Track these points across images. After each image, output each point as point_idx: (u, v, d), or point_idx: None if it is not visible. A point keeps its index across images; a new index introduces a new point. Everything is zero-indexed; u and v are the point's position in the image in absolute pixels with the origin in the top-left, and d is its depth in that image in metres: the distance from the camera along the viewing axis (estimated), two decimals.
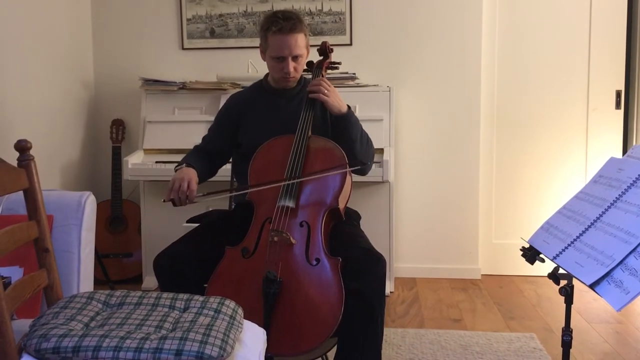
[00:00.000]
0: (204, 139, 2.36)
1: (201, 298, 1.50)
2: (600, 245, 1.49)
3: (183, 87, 3.48)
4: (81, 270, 1.81)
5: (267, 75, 2.30)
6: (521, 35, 3.61)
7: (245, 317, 1.55)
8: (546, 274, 1.68)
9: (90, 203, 1.86)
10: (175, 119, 3.43)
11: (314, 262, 1.89)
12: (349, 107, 2.18)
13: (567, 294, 1.64)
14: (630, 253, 1.39)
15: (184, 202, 2.03)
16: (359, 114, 2.90)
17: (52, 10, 3.37)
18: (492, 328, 2.86)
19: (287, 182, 1.98)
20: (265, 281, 1.84)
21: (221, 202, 2.57)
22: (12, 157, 1.52)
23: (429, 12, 3.57)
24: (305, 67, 2.26)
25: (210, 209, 2.60)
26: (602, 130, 3.58)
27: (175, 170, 2.13)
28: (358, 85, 3.42)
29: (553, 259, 1.61)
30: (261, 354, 1.52)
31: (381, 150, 3.14)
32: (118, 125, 3.67)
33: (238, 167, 2.38)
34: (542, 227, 1.78)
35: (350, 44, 3.61)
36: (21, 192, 1.50)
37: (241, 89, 2.53)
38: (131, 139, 3.74)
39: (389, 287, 3.34)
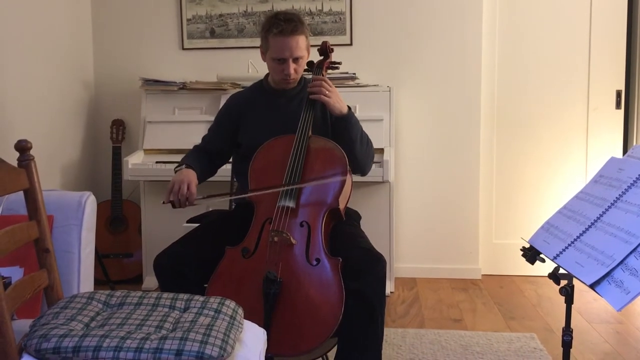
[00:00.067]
0: (203, 138, 2.36)
1: (201, 298, 1.50)
2: (601, 245, 1.49)
3: (183, 87, 3.48)
4: (81, 271, 1.81)
5: (267, 75, 2.30)
6: (521, 35, 3.60)
7: (246, 317, 1.55)
8: (546, 274, 1.68)
9: (90, 203, 1.86)
10: (176, 119, 3.43)
11: (314, 262, 1.89)
12: (349, 107, 2.18)
13: (568, 294, 1.64)
14: (630, 253, 1.39)
15: (184, 204, 2.04)
16: (359, 114, 2.90)
17: (52, 10, 3.37)
18: (492, 328, 2.86)
19: (285, 188, 1.98)
20: (265, 281, 1.84)
21: (221, 203, 2.57)
22: (12, 157, 1.52)
23: (429, 12, 3.57)
24: (305, 67, 2.26)
25: (211, 209, 2.61)
26: (603, 130, 3.58)
27: (175, 171, 2.13)
28: (358, 85, 3.42)
29: (553, 259, 1.61)
30: (261, 354, 1.52)
31: (381, 150, 3.14)
32: (118, 126, 3.67)
33: (238, 167, 2.38)
34: (542, 227, 1.78)
35: (351, 44, 3.61)
36: (21, 192, 1.50)
37: (241, 89, 2.53)
38: (131, 139, 3.74)
39: (389, 287, 3.34)
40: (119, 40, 3.79)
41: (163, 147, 3.36)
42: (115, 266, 3.52)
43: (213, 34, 3.70)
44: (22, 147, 1.51)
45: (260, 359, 1.51)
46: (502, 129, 3.68)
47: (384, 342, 1.99)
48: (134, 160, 3.28)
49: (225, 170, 2.48)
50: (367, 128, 2.25)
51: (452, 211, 3.64)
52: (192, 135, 3.09)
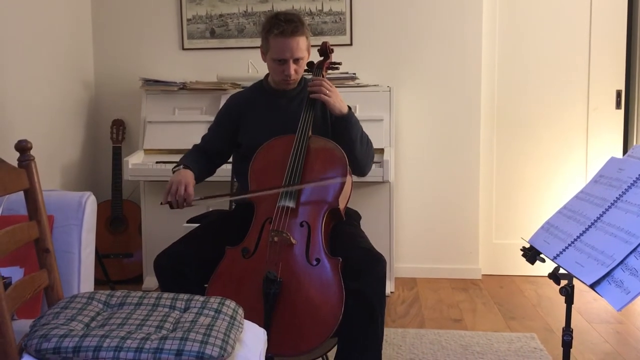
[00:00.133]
0: (203, 138, 2.36)
1: (202, 298, 1.50)
2: (601, 245, 1.49)
3: (183, 87, 3.48)
4: (82, 271, 1.81)
5: (267, 75, 2.29)
6: (521, 35, 3.61)
7: (246, 317, 1.55)
8: (546, 274, 1.68)
9: (90, 203, 1.86)
10: (176, 119, 3.43)
11: (314, 262, 1.89)
12: (349, 107, 2.18)
13: (568, 294, 1.64)
14: (630, 253, 1.39)
15: (182, 205, 2.04)
16: (359, 114, 2.90)
17: (52, 10, 3.37)
18: (492, 328, 2.86)
19: (285, 190, 1.98)
20: (265, 281, 1.84)
21: (221, 203, 2.57)
22: (12, 158, 1.52)
23: (429, 12, 3.57)
24: (305, 68, 2.26)
25: (211, 209, 2.61)
26: (603, 130, 3.58)
27: (173, 172, 2.13)
28: (358, 85, 3.42)
29: (553, 259, 1.61)
30: (261, 354, 1.52)
31: (381, 150, 3.14)
32: (118, 126, 3.67)
33: (238, 167, 2.38)
34: (542, 227, 1.78)
35: (351, 44, 3.61)
36: (22, 193, 1.50)
37: (241, 89, 2.53)
38: (131, 139, 3.74)
39: (389, 287, 3.34)
40: (119, 40, 3.79)
41: (163, 147, 3.36)
42: (116, 266, 3.52)
43: (213, 34, 3.70)
44: (23, 147, 1.51)
45: (261, 359, 1.51)
46: (502, 129, 3.68)
47: (384, 342, 1.99)
48: (134, 161, 3.28)
49: (225, 171, 2.47)
50: (367, 128, 2.25)
51: (452, 211, 3.64)
52: (192, 135, 3.08)
